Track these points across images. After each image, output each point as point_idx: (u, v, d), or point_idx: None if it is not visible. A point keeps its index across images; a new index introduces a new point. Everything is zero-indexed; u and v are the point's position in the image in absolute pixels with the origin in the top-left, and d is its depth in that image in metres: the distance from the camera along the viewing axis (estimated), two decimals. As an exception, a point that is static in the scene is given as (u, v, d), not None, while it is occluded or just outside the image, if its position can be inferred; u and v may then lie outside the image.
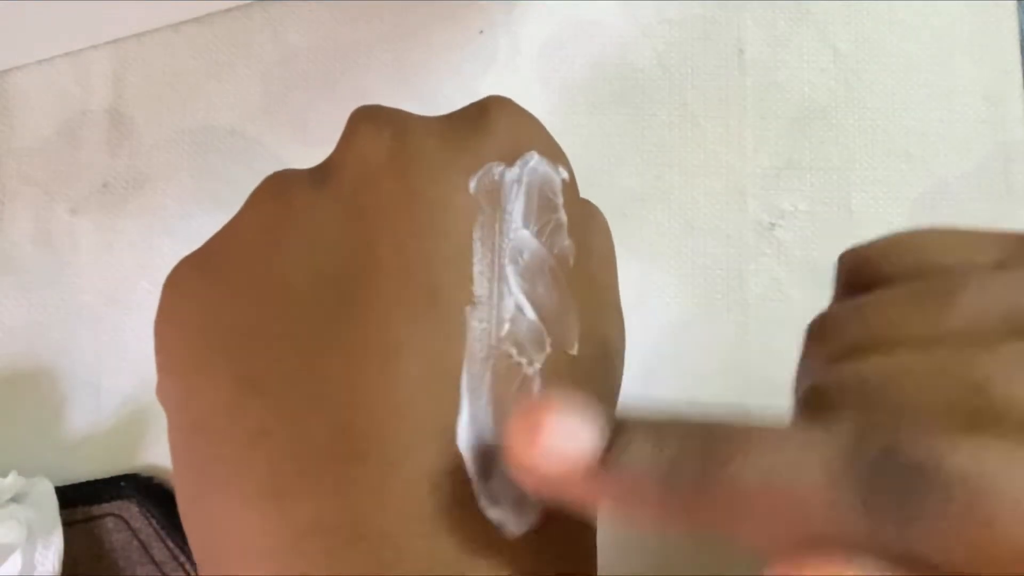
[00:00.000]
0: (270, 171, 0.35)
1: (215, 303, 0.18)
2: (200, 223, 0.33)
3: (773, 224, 0.33)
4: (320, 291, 0.17)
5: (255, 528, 0.16)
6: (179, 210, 0.33)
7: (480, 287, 0.17)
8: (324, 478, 0.15)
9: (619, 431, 0.14)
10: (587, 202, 0.21)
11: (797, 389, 0.18)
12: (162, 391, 0.18)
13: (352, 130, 0.19)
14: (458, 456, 0.16)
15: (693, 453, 0.14)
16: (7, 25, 0.31)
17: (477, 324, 0.17)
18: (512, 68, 0.34)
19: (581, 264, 0.19)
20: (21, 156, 0.33)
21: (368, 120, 0.19)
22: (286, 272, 0.17)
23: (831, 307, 0.18)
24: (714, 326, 0.32)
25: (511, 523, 0.16)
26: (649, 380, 0.31)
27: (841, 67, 0.34)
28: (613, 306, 0.21)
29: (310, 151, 0.33)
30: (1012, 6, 0.34)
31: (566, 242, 0.19)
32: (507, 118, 0.19)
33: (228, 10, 0.34)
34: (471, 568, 0.15)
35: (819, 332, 0.17)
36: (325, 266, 0.17)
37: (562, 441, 0.14)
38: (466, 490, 0.16)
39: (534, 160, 0.19)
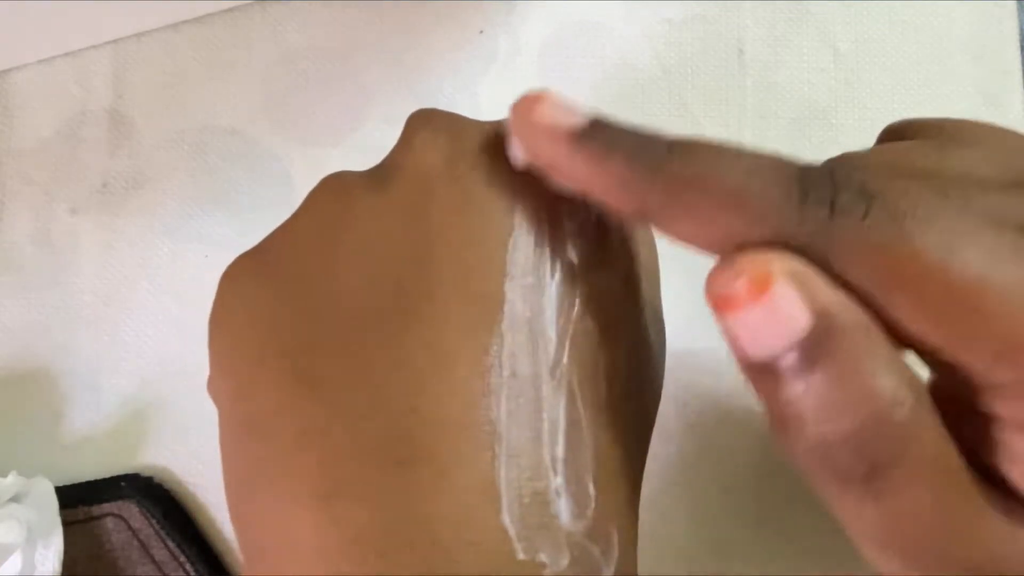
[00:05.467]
0: (270, 171, 0.35)
1: (273, 302, 0.18)
2: (200, 223, 0.33)
3: (773, 224, 0.33)
4: (378, 295, 0.17)
5: (307, 528, 0.16)
6: (179, 210, 0.33)
7: (531, 299, 0.17)
8: (378, 482, 0.16)
9: (601, 120, 0.16)
10: None
11: None
12: (214, 386, 0.18)
13: (409, 135, 0.19)
14: (505, 468, 0.16)
15: (658, 142, 0.16)
16: (7, 25, 0.31)
17: (526, 337, 0.17)
18: (512, 68, 0.34)
19: (629, 271, 0.19)
20: (21, 156, 0.33)
21: (425, 125, 0.19)
22: (345, 275, 0.17)
23: None
24: (714, 326, 0.32)
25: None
26: (649, 380, 0.31)
27: (841, 67, 0.34)
28: (657, 319, 0.21)
29: (310, 151, 0.33)
30: (1012, 6, 0.34)
31: (614, 253, 0.19)
32: None
33: (228, 10, 0.34)
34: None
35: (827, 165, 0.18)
36: (384, 271, 0.17)
37: (554, 113, 0.17)
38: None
39: None
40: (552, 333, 0.17)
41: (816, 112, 0.33)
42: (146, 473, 0.31)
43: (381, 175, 0.19)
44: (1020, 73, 0.34)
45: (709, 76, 0.34)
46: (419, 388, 0.16)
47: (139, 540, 0.30)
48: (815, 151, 0.33)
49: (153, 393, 0.32)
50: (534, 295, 0.17)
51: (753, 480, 0.31)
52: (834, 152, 0.35)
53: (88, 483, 0.30)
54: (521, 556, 0.15)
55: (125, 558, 0.30)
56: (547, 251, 0.18)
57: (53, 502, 0.29)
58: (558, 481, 0.16)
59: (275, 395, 0.17)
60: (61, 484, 0.30)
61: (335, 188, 0.19)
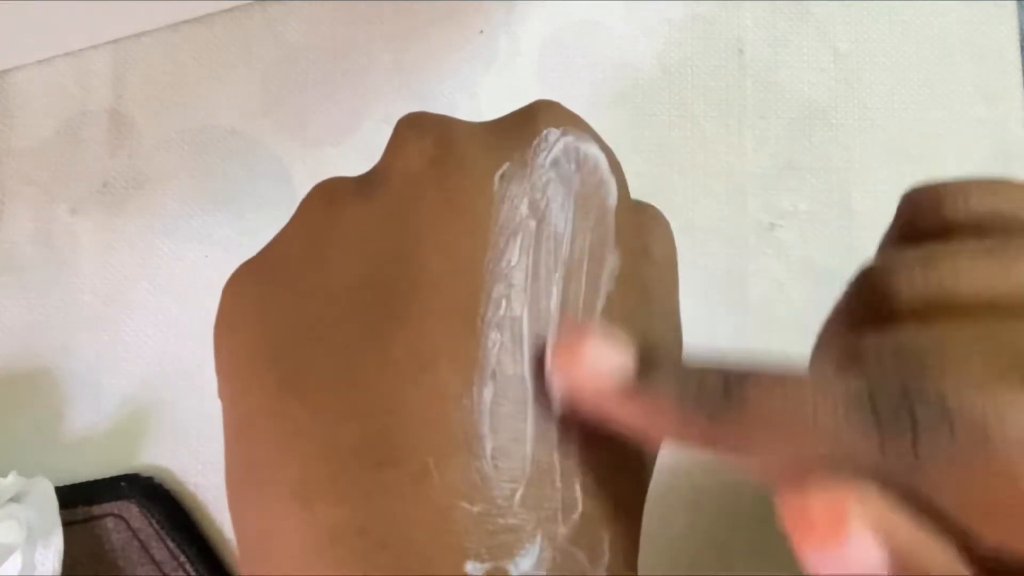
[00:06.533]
0: (270, 171, 0.35)
1: (265, 308, 0.18)
2: (200, 223, 0.33)
3: (773, 224, 0.33)
4: (363, 298, 0.17)
5: (288, 528, 0.16)
6: (179, 210, 0.33)
7: (518, 299, 0.17)
8: (355, 483, 0.16)
9: (649, 360, 0.16)
10: (652, 208, 0.21)
11: (823, 344, 0.18)
12: (219, 392, 0.19)
13: (397, 138, 0.19)
14: (484, 470, 0.16)
15: (715, 381, 0.15)
16: (7, 25, 0.31)
17: (509, 337, 0.17)
18: (512, 68, 0.34)
19: (633, 270, 0.19)
20: (21, 156, 0.33)
21: (412, 127, 0.19)
22: (331, 279, 0.17)
23: (889, 252, 0.18)
24: (714, 326, 0.32)
25: None
26: (649, 380, 0.31)
27: (841, 67, 0.34)
28: (669, 316, 0.21)
29: (310, 151, 0.33)
30: (1012, 6, 0.34)
31: (611, 254, 0.18)
32: (554, 122, 0.19)
33: (228, 10, 0.34)
34: None
35: (881, 276, 0.17)
36: (369, 274, 0.17)
37: (600, 358, 0.16)
38: (491, 506, 0.16)
39: (554, 135, 0.19)
40: (541, 330, 0.17)
41: (816, 112, 0.33)
42: (146, 473, 0.31)
43: (370, 180, 0.19)
44: (1020, 73, 0.34)
45: (709, 76, 0.34)
46: (400, 388, 0.16)
47: (139, 540, 0.30)
48: (815, 151, 0.33)
49: (153, 393, 0.32)
50: (521, 295, 0.17)
51: (751, 481, 0.31)
52: (835, 152, 0.35)
53: (88, 483, 0.30)
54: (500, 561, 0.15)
55: (125, 558, 0.30)
56: (540, 248, 0.18)
57: (53, 502, 0.29)
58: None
59: (262, 398, 0.17)
60: (61, 484, 0.30)
61: (325, 194, 0.19)
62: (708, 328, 0.32)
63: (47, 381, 0.32)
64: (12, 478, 0.28)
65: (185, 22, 0.34)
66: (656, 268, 0.20)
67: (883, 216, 0.34)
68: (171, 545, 0.29)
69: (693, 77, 0.34)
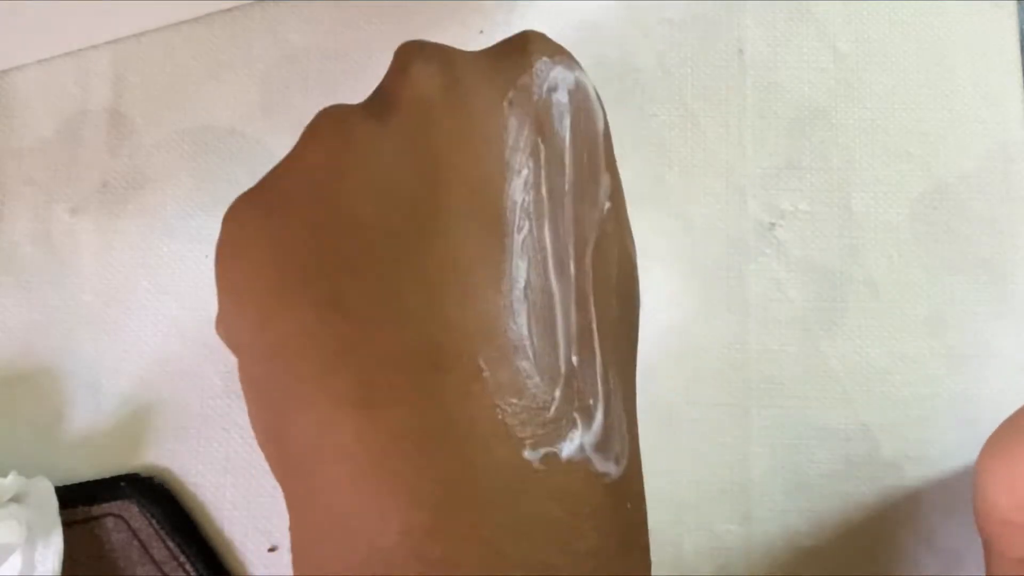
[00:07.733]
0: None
1: (285, 235, 0.18)
2: (200, 223, 0.33)
3: (773, 224, 0.33)
4: (391, 217, 0.18)
5: (348, 434, 0.16)
6: (179, 210, 0.33)
7: (537, 214, 0.19)
8: (414, 386, 0.17)
9: None
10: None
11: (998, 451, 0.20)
12: (229, 323, 0.19)
13: (401, 65, 0.20)
14: (529, 370, 0.17)
15: None
16: (7, 25, 0.31)
17: (533, 248, 0.18)
18: (512, 68, 0.34)
19: (618, 195, 0.21)
20: (21, 156, 0.33)
21: (417, 55, 0.20)
22: (355, 202, 0.18)
23: None
24: (714, 326, 0.32)
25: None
26: (649, 379, 0.31)
27: (841, 67, 0.34)
28: (631, 239, 0.22)
29: (310, 151, 0.33)
30: (1012, 6, 0.34)
31: (604, 175, 0.20)
32: (545, 52, 0.21)
33: (228, 10, 0.34)
34: (544, 475, 0.17)
35: None
36: (394, 194, 0.18)
37: None
38: (536, 402, 0.17)
39: (547, 65, 0.20)
40: (559, 245, 0.19)
41: (816, 112, 0.33)
42: (146, 473, 0.31)
43: (378, 105, 0.20)
44: (1020, 73, 0.34)
45: (709, 76, 0.34)
46: (442, 300, 0.17)
47: (139, 540, 0.30)
48: (815, 151, 0.33)
49: (153, 393, 0.32)
50: (540, 210, 0.19)
51: (750, 480, 0.31)
52: (835, 152, 0.35)
53: (88, 483, 0.30)
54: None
55: (125, 558, 0.30)
56: (552, 169, 0.19)
57: (53, 502, 0.29)
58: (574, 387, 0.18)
59: (302, 319, 0.17)
60: (61, 484, 0.30)
61: (334, 121, 0.19)
62: (708, 328, 0.32)
63: (47, 381, 0.32)
64: (12, 478, 0.28)
65: (185, 22, 0.34)
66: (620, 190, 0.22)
67: (883, 216, 0.34)
68: (171, 545, 0.29)
69: (693, 77, 0.34)
